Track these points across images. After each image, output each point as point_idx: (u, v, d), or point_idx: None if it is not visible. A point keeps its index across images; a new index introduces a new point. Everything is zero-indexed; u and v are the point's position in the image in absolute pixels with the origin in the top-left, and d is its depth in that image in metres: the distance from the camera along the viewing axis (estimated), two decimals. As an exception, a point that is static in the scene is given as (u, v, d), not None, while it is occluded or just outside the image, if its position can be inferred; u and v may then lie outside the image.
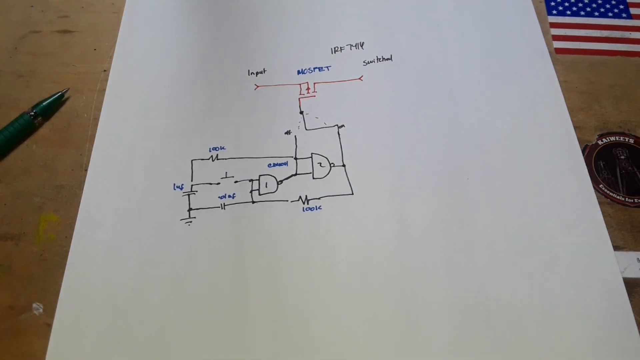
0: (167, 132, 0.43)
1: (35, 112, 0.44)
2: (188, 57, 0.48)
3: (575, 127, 0.42)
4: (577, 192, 0.39)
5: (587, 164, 0.41)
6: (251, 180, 0.41)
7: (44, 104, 0.44)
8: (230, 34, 0.49)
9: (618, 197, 0.40)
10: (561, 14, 0.49)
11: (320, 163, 0.42)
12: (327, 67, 0.46)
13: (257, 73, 0.46)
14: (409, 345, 0.35)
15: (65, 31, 0.50)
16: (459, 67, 0.46)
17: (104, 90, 0.46)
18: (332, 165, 0.41)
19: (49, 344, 0.35)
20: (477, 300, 0.36)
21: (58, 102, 0.45)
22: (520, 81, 0.45)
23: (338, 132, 0.43)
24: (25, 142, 0.44)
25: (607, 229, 0.38)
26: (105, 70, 0.47)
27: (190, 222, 0.40)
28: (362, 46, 0.48)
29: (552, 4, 0.50)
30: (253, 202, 0.40)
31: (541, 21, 0.48)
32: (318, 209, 0.40)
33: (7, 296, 0.37)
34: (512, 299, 0.36)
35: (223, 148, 0.43)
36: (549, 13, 0.49)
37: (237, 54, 0.48)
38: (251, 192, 0.41)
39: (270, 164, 0.42)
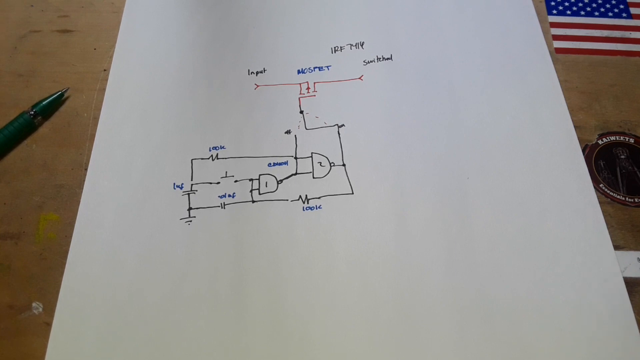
0: (167, 132, 0.43)
1: (35, 112, 0.44)
2: (188, 57, 0.48)
3: (575, 127, 0.42)
4: (577, 191, 0.39)
5: (587, 164, 0.41)
6: (251, 180, 0.41)
7: (43, 103, 0.44)
8: (230, 33, 0.49)
9: (618, 197, 0.40)
10: (561, 13, 0.49)
11: (321, 162, 0.41)
12: (327, 66, 0.46)
13: (257, 72, 0.46)
14: (409, 345, 0.35)
15: (65, 31, 0.50)
16: (459, 67, 0.46)
17: (104, 89, 0.46)
18: (332, 164, 0.41)
19: (49, 343, 0.35)
20: (477, 300, 0.36)
21: (58, 102, 0.45)
22: (520, 81, 0.45)
23: (338, 132, 0.43)
24: (25, 142, 0.44)
25: (608, 228, 0.38)
26: (105, 70, 0.47)
27: (190, 221, 0.39)
28: (362, 46, 0.48)
29: (552, 3, 0.50)
30: (253, 201, 0.40)
31: (541, 21, 0.48)
32: (318, 209, 0.40)
33: (6, 295, 0.37)
34: (512, 299, 0.36)
35: (223, 147, 0.43)
36: (549, 13, 0.49)
37: (237, 53, 0.48)
38: (251, 191, 0.41)
39: (270, 164, 0.42)
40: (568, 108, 0.43)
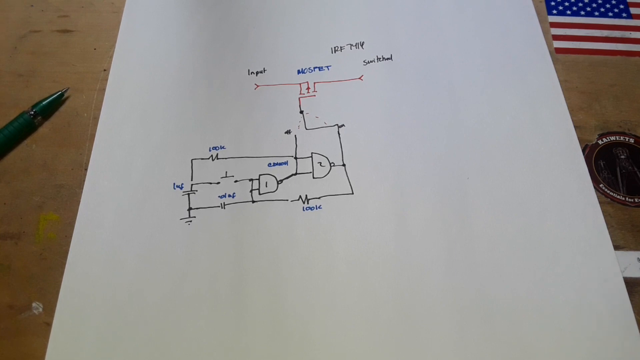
0: (167, 132, 0.43)
1: (35, 112, 0.44)
2: (188, 57, 0.48)
3: (575, 127, 0.42)
4: (577, 191, 0.39)
5: (587, 164, 0.41)
6: (251, 180, 0.41)
7: (43, 103, 0.44)
8: (230, 34, 0.49)
9: (618, 197, 0.40)
10: (561, 13, 0.49)
11: (320, 162, 0.41)
12: (327, 66, 0.46)
13: (257, 72, 0.46)
14: (409, 345, 0.35)
15: (65, 31, 0.50)
16: (459, 67, 0.46)
17: (104, 89, 0.46)
18: (332, 164, 0.41)
19: (49, 343, 0.35)
20: (477, 300, 0.36)
21: (58, 102, 0.45)
22: (520, 81, 0.45)
23: (338, 132, 0.43)
24: (25, 142, 0.44)
25: (608, 228, 0.38)
26: (105, 70, 0.47)
27: (190, 221, 0.39)
28: (362, 46, 0.48)
29: (552, 3, 0.50)
30: (253, 201, 0.40)
31: (541, 21, 0.48)
32: (318, 209, 0.40)
33: (6, 295, 0.37)
34: (512, 299, 0.36)
35: (223, 147, 0.43)
36: (549, 13, 0.49)
37: (237, 53, 0.48)
38: (251, 191, 0.41)
39: (270, 164, 0.42)
40: (568, 108, 0.43)
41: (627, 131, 0.43)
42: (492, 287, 0.36)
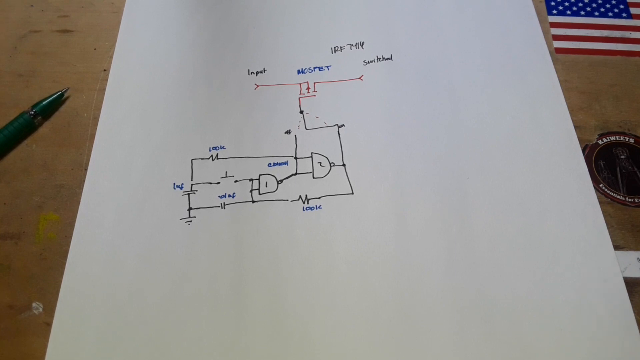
0: (167, 132, 0.44)
1: (35, 112, 0.44)
2: (188, 57, 0.48)
3: (575, 127, 0.42)
4: (577, 191, 0.39)
5: (587, 164, 0.41)
6: (251, 180, 0.41)
7: (43, 103, 0.44)
8: (230, 33, 0.49)
9: (618, 197, 0.40)
10: (561, 13, 0.49)
11: (320, 162, 0.41)
12: (327, 66, 0.46)
13: (257, 72, 0.46)
14: (409, 345, 0.35)
15: (65, 31, 0.50)
16: (459, 67, 0.46)
17: (104, 89, 0.46)
18: (332, 164, 0.41)
19: (49, 343, 0.35)
20: (477, 300, 0.36)
21: (58, 102, 0.45)
22: (520, 81, 0.45)
23: (338, 132, 0.43)
24: (25, 142, 0.44)
25: (608, 228, 0.38)
26: (105, 70, 0.47)
27: (190, 221, 0.39)
28: (362, 46, 0.48)
29: (552, 3, 0.50)
30: (253, 201, 0.40)
31: (541, 21, 0.48)
32: (318, 209, 0.40)
33: (6, 295, 0.37)
34: (512, 299, 0.36)
35: (223, 147, 0.43)
36: (549, 13, 0.49)
37: (237, 53, 0.48)
38: (251, 191, 0.41)
39: (270, 164, 0.42)
40: (568, 108, 0.43)
41: (627, 131, 0.43)
42: (492, 287, 0.36)
